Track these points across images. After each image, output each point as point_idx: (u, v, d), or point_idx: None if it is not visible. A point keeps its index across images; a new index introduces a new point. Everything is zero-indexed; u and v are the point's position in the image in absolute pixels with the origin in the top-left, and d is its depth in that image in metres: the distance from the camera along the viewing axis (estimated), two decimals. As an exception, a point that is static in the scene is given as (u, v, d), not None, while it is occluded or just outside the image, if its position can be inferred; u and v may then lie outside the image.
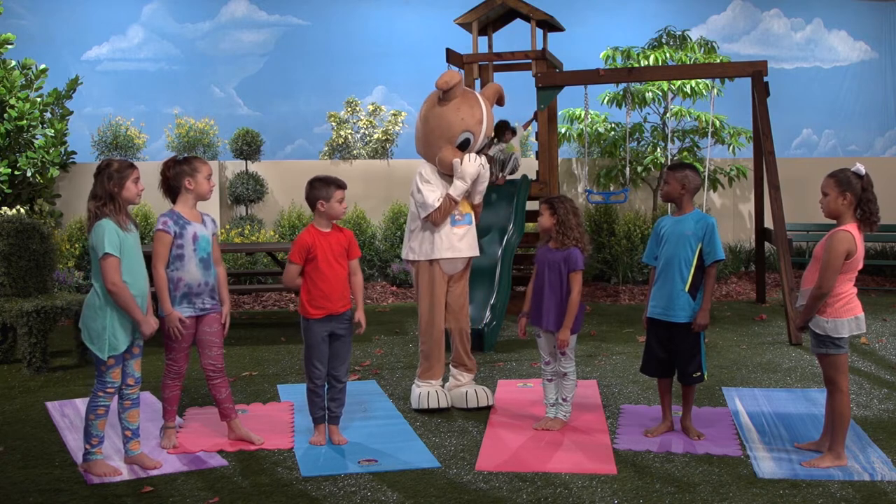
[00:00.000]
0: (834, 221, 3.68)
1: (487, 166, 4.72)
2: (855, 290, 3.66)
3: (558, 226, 4.18)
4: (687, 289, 4.00)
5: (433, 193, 4.56)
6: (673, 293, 4.02)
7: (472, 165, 4.58)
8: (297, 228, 9.48)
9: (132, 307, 3.62)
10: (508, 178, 7.58)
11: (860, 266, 3.63)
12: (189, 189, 3.94)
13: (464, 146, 4.64)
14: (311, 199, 4.04)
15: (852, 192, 3.58)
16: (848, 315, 3.61)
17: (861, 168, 3.62)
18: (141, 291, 3.70)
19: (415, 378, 4.79)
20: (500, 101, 5.04)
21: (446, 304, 4.71)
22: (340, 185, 4.06)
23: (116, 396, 3.76)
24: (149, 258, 3.82)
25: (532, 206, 7.33)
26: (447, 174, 4.65)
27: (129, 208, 3.78)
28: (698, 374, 4.07)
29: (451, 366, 4.82)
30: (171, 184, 3.96)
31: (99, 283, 3.61)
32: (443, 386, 4.74)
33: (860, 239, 3.60)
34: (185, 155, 4.02)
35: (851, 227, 3.58)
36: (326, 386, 4.14)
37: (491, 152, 7.32)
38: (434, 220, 4.56)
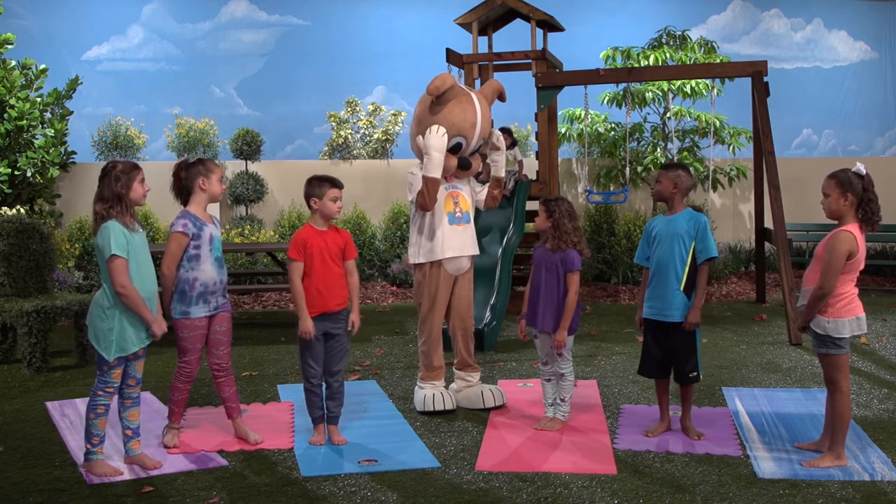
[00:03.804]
0: (835, 222, 3.68)
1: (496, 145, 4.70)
2: (856, 290, 3.66)
3: (554, 229, 4.18)
4: (682, 288, 4.01)
5: (418, 184, 4.55)
6: (668, 293, 4.02)
7: (435, 137, 4.45)
8: (297, 228, 9.45)
9: (142, 309, 3.62)
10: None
11: (861, 266, 3.63)
12: (203, 190, 3.94)
13: (455, 150, 4.61)
14: (307, 196, 4.05)
15: (853, 192, 3.58)
16: (849, 315, 3.61)
17: (862, 168, 3.61)
18: (149, 292, 3.70)
19: (417, 379, 4.77)
20: (500, 98, 5.00)
21: (453, 306, 4.70)
22: (336, 185, 4.05)
23: (116, 396, 3.76)
24: (156, 257, 3.81)
25: (532, 206, 7.33)
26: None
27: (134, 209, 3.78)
28: (694, 373, 4.08)
29: (455, 368, 4.81)
30: (184, 184, 3.95)
31: (108, 284, 3.60)
32: (446, 387, 4.74)
33: (862, 239, 3.60)
34: (198, 157, 4.02)
35: (853, 228, 3.58)
36: (324, 385, 4.14)
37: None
38: (422, 206, 4.52)
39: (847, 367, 3.69)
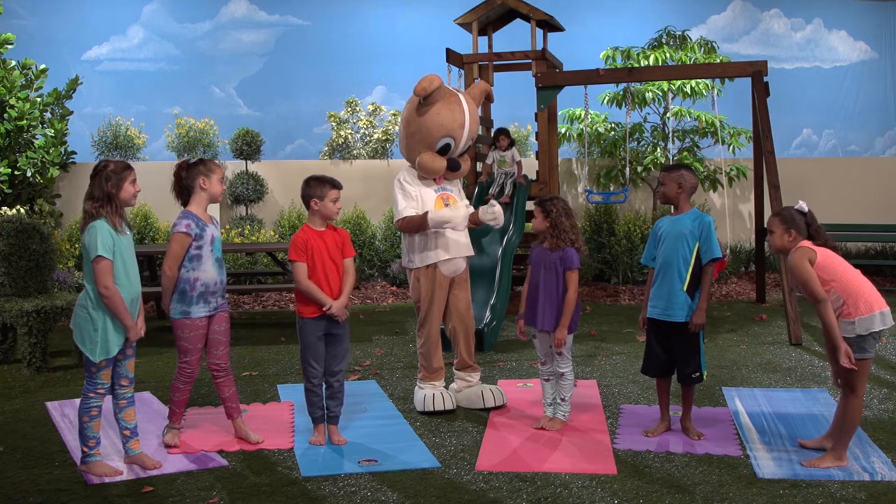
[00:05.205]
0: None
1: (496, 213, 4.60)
2: (870, 284, 3.66)
3: (552, 228, 4.18)
4: (685, 288, 4.01)
5: (404, 201, 4.56)
6: (672, 292, 4.02)
7: (463, 217, 4.52)
8: (297, 228, 9.43)
9: (122, 312, 3.59)
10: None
11: (838, 259, 3.65)
12: (203, 189, 3.94)
13: (444, 151, 4.60)
14: (306, 197, 4.05)
15: (796, 228, 3.70)
16: (874, 310, 3.59)
17: (804, 205, 3.76)
18: (134, 295, 3.68)
19: (416, 380, 4.77)
20: (488, 99, 4.99)
21: (452, 307, 4.69)
22: (336, 185, 4.06)
23: (111, 397, 3.76)
24: (149, 258, 3.81)
25: (532, 206, 7.33)
26: (427, 177, 4.64)
27: (125, 210, 3.78)
28: (697, 374, 4.07)
29: (455, 369, 4.80)
30: (185, 184, 3.95)
31: (91, 285, 3.59)
32: (446, 387, 4.74)
33: (814, 245, 3.67)
34: (199, 157, 4.02)
35: (803, 243, 3.68)
36: (325, 385, 4.14)
37: (497, 186, 7.40)
38: (400, 228, 4.59)
39: (867, 372, 3.69)
